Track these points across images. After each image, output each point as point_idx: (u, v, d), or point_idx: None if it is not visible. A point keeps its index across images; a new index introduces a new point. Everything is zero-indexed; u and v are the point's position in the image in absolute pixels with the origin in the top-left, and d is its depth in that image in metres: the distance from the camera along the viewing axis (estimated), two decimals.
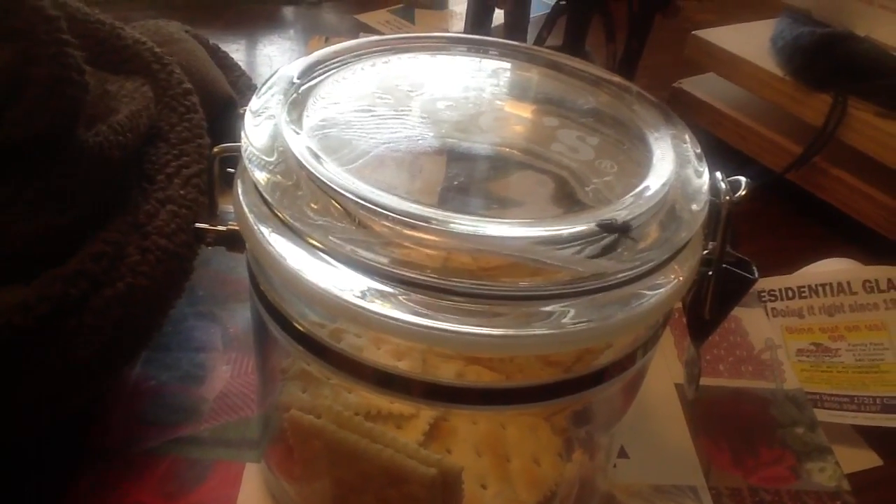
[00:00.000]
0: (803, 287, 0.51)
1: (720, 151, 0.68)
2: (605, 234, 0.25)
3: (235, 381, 0.41)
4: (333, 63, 0.31)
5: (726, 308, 0.32)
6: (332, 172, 0.25)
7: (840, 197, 0.59)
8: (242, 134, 0.27)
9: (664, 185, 0.27)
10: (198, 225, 0.30)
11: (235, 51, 0.76)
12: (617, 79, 0.33)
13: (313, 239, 0.24)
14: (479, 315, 0.24)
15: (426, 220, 0.24)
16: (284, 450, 0.34)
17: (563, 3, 0.58)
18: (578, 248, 0.24)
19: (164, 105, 0.43)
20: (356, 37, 0.81)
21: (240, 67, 0.62)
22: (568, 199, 0.28)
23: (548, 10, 0.61)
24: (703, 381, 0.45)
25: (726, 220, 0.29)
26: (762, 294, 0.52)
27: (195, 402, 0.39)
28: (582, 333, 0.25)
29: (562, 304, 0.24)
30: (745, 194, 0.29)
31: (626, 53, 0.60)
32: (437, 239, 0.24)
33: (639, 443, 0.40)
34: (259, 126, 0.27)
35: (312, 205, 0.25)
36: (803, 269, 0.53)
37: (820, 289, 0.50)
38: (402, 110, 0.30)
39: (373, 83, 0.31)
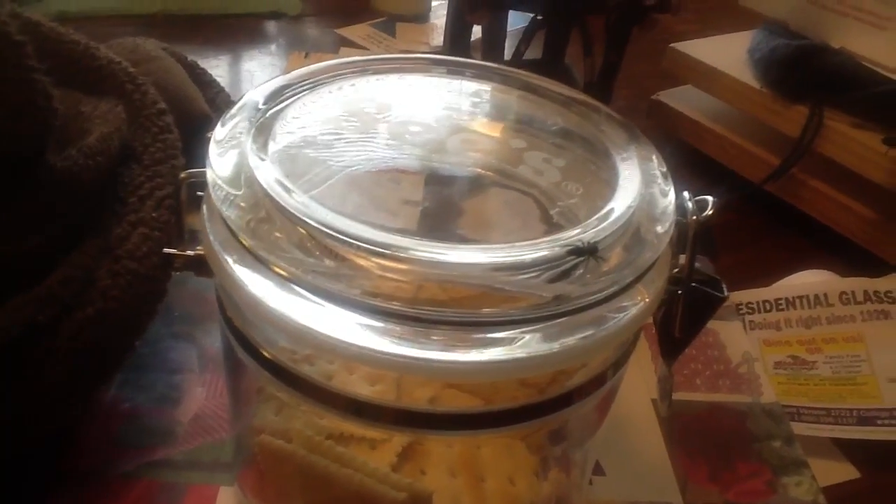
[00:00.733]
0: (780, 300, 0.51)
1: (699, 163, 0.68)
2: (571, 258, 0.25)
3: (210, 402, 0.40)
4: (301, 87, 0.31)
5: (697, 326, 0.32)
6: (297, 201, 0.25)
7: (818, 208, 0.59)
8: (207, 163, 0.26)
9: (629, 207, 0.27)
10: (166, 250, 0.30)
11: (216, 66, 0.76)
12: (586, 98, 0.33)
13: (279, 268, 0.24)
14: (447, 342, 0.24)
15: (390, 247, 0.24)
16: (257, 474, 0.34)
17: (540, 17, 0.58)
18: (542, 272, 0.24)
19: (138, 126, 0.42)
20: (337, 52, 0.81)
21: (218, 84, 0.62)
22: (534, 222, 0.28)
23: (526, 24, 0.61)
24: (680, 395, 0.45)
25: (693, 240, 0.29)
26: (740, 307, 0.52)
27: (170, 425, 0.39)
28: (549, 358, 0.25)
29: (529, 329, 0.24)
30: (712, 213, 0.29)
31: (604, 66, 0.60)
32: (400, 267, 0.23)
33: (615, 459, 0.40)
34: (224, 155, 0.27)
35: (278, 234, 0.25)
36: (781, 282, 0.53)
37: (797, 301, 0.51)
38: (368, 133, 0.30)
39: (340, 106, 0.31)
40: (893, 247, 0.56)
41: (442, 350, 0.24)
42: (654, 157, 0.30)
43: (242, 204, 0.25)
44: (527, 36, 0.58)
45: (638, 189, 0.28)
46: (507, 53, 0.61)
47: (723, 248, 0.60)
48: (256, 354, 0.28)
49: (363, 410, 0.28)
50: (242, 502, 0.36)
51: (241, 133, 0.27)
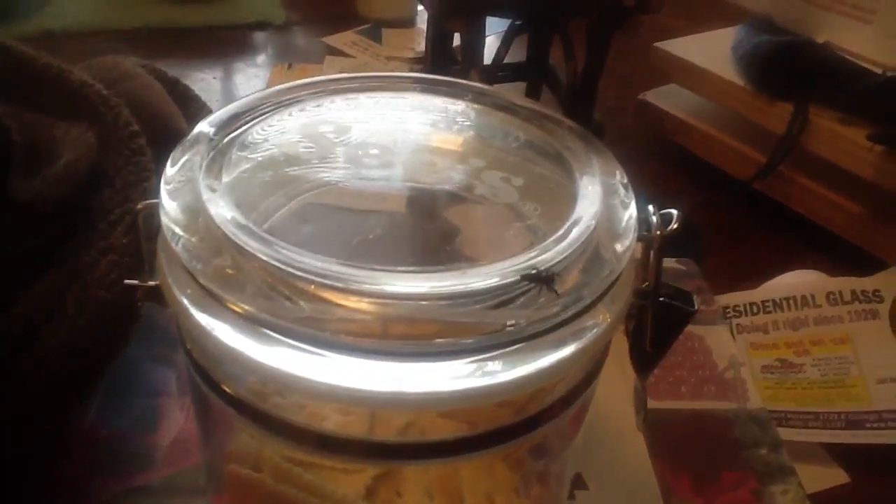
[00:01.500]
0: (767, 301, 0.51)
1: (686, 162, 0.67)
2: (526, 285, 0.24)
3: (189, 426, 0.40)
4: (258, 111, 0.30)
5: (668, 341, 0.32)
6: (250, 236, 0.24)
7: (806, 205, 0.59)
8: (159, 202, 0.26)
9: (588, 227, 0.27)
10: (127, 282, 0.30)
11: (201, 80, 0.76)
12: (549, 112, 0.33)
13: (233, 305, 0.24)
14: (404, 372, 0.24)
15: (339, 280, 0.23)
16: (229, 501, 0.33)
17: (518, 23, 0.57)
18: (496, 299, 0.24)
19: (111, 149, 0.42)
20: (322, 61, 0.81)
21: (200, 100, 0.62)
22: (492, 244, 0.28)
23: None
24: (665, 404, 0.44)
25: (658, 255, 0.29)
26: (727, 310, 0.51)
27: (149, 450, 0.39)
28: (512, 384, 0.24)
29: (488, 357, 0.24)
30: (676, 227, 0.29)
31: (585, 70, 0.60)
32: (350, 301, 0.23)
33: (598, 473, 0.40)
34: (175, 191, 0.26)
35: (230, 270, 0.24)
36: (768, 283, 0.52)
37: (784, 303, 0.50)
38: (325, 158, 0.30)
39: (296, 131, 0.30)
40: (883, 243, 0.55)
41: (401, 384, 0.23)
42: (616, 171, 0.30)
43: (194, 240, 0.25)
44: (506, 41, 0.57)
45: (598, 208, 0.27)
46: (489, 59, 0.61)
47: (710, 249, 0.59)
48: (218, 389, 0.27)
49: (331, 445, 0.28)
50: None
51: (192, 166, 0.27)
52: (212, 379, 0.27)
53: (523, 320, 0.24)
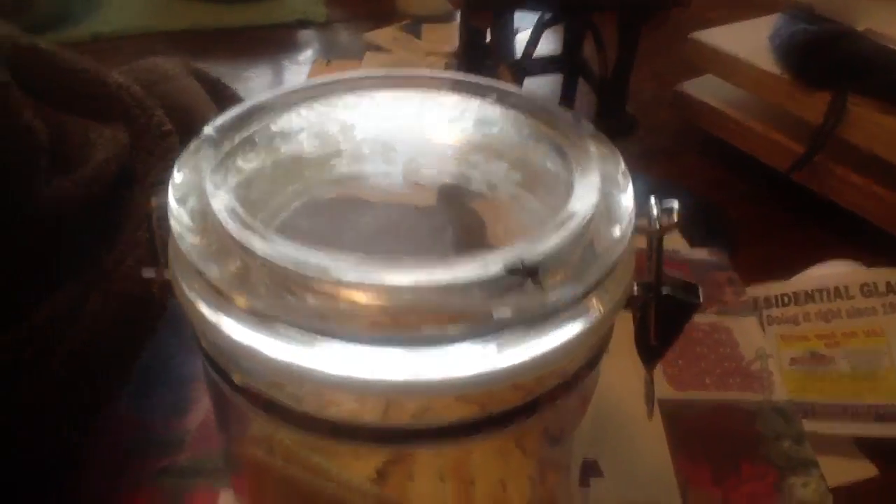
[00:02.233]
0: (799, 293, 0.50)
1: (724, 154, 0.67)
2: (512, 277, 0.25)
3: None
4: (263, 114, 0.31)
5: (672, 333, 0.32)
6: (254, 234, 0.25)
7: (844, 195, 0.58)
8: (169, 211, 0.27)
9: (583, 218, 0.27)
10: (144, 274, 0.31)
11: (246, 80, 0.78)
12: (553, 106, 0.33)
13: (239, 300, 0.25)
14: (411, 360, 0.24)
15: (339, 275, 0.24)
16: (244, 482, 0.35)
17: (547, 17, 0.58)
18: (485, 290, 0.25)
19: (142, 148, 0.44)
20: (361, 57, 0.82)
21: (239, 98, 0.64)
22: (491, 236, 0.28)
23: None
24: (688, 394, 0.44)
25: (658, 247, 0.29)
26: (758, 302, 0.51)
27: (178, 434, 0.41)
28: (502, 372, 0.25)
29: (479, 344, 0.25)
30: (677, 221, 0.29)
31: (617, 62, 0.60)
32: (351, 293, 0.24)
33: (615, 461, 0.40)
34: (183, 193, 0.27)
35: (234, 268, 0.25)
36: (801, 274, 0.52)
37: (816, 294, 0.49)
38: (329, 156, 0.31)
39: (301, 130, 0.31)
40: None
41: (412, 370, 0.24)
42: (617, 163, 0.30)
43: (201, 240, 0.26)
44: (535, 35, 0.58)
45: (595, 198, 0.28)
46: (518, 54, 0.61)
47: (745, 240, 0.59)
48: (229, 380, 0.29)
49: (343, 431, 0.29)
50: None
51: (200, 168, 0.28)
52: (223, 371, 0.28)
53: (509, 311, 0.24)
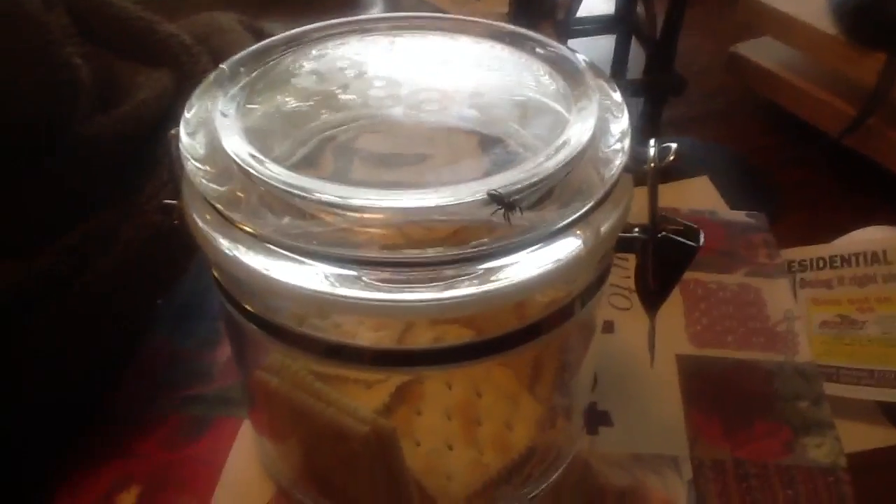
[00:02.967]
0: (836, 257, 0.49)
1: (778, 117, 0.65)
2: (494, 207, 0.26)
3: None
4: (280, 51, 0.33)
5: (672, 277, 0.32)
6: (270, 169, 0.26)
7: (894, 160, 0.56)
8: (179, 144, 0.29)
9: (569, 153, 0.27)
10: (165, 201, 0.33)
11: None
12: (564, 50, 0.33)
13: (248, 227, 0.26)
14: (434, 280, 0.25)
15: (362, 200, 0.25)
16: (256, 409, 0.37)
17: None
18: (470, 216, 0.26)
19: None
20: None
21: None
22: (479, 169, 0.29)
23: None
24: (708, 351, 0.44)
25: (653, 186, 0.29)
26: (792, 264, 0.50)
27: (207, 366, 0.43)
28: (504, 290, 0.26)
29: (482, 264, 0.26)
30: (672, 160, 0.29)
31: (665, 23, 0.59)
32: (378, 217, 0.25)
33: (626, 412, 0.40)
34: (195, 132, 0.29)
35: (240, 194, 0.27)
36: (839, 239, 0.50)
37: (853, 258, 0.48)
38: (338, 91, 0.32)
39: (312, 71, 0.33)
40: None
41: (434, 290, 0.25)
42: (622, 109, 0.30)
43: (217, 178, 0.27)
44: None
45: (587, 136, 0.28)
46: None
47: (790, 206, 0.57)
48: (240, 307, 0.30)
49: (343, 354, 0.30)
50: (255, 436, 0.39)
51: (213, 104, 0.30)
52: (235, 299, 0.30)
53: (486, 240, 0.25)
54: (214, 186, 0.27)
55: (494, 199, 0.25)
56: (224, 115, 0.29)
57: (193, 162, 0.28)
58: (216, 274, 0.31)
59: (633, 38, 0.66)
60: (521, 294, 0.27)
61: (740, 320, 0.46)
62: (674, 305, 0.47)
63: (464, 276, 0.26)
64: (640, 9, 0.63)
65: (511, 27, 0.34)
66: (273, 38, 0.33)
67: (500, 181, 0.26)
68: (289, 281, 0.26)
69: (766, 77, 0.64)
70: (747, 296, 0.47)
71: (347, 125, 0.31)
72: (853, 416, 0.42)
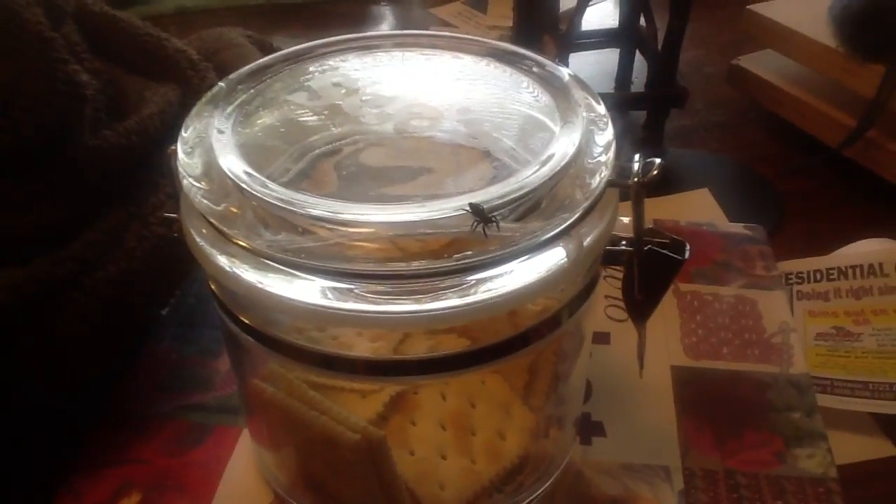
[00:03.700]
0: (832, 269, 0.49)
1: (780, 129, 0.65)
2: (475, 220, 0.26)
3: None
4: (278, 68, 0.34)
5: (658, 289, 0.32)
6: (265, 186, 0.27)
7: (894, 171, 0.56)
8: (177, 161, 0.30)
9: (553, 169, 0.28)
10: (167, 214, 0.34)
11: None
12: (550, 65, 0.34)
13: (243, 243, 0.27)
14: (425, 292, 0.26)
15: (353, 214, 0.26)
16: (253, 419, 0.38)
17: None
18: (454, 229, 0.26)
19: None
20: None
21: None
22: (467, 183, 0.30)
23: None
24: (703, 363, 0.44)
25: (637, 201, 0.30)
26: (789, 276, 0.50)
27: (209, 374, 0.44)
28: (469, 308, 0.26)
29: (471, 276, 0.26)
30: (655, 174, 0.30)
31: (667, 35, 0.59)
32: (368, 231, 0.26)
33: (619, 422, 0.41)
34: (192, 149, 0.30)
35: (235, 210, 0.28)
36: (837, 251, 0.51)
37: (850, 271, 0.48)
38: (331, 109, 0.33)
39: (308, 89, 0.33)
40: None
41: (424, 301, 0.26)
42: (606, 121, 0.31)
43: (213, 196, 0.28)
44: (580, 8, 0.58)
45: (573, 150, 0.29)
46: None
47: (791, 217, 0.58)
48: (235, 319, 0.31)
49: (335, 363, 0.31)
50: (253, 444, 0.39)
51: (210, 124, 0.31)
52: (231, 312, 0.31)
53: (471, 252, 0.26)
54: (211, 203, 0.28)
55: (474, 212, 0.26)
56: (220, 132, 0.30)
57: (190, 179, 0.29)
58: (213, 287, 0.32)
59: (637, 51, 0.67)
60: (508, 305, 0.27)
61: (736, 332, 0.46)
62: (669, 317, 0.47)
63: (454, 287, 0.26)
64: (642, 22, 0.64)
65: (501, 44, 0.35)
66: (272, 55, 0.34)
67: (488, 195, 0.27)
68: (284, 294, 0.27)
69: (767, 89, 0.65)
70: (743, 307, 0.48)
71: (340, 142, 0.32)
72: (846, 427, 0.42)
